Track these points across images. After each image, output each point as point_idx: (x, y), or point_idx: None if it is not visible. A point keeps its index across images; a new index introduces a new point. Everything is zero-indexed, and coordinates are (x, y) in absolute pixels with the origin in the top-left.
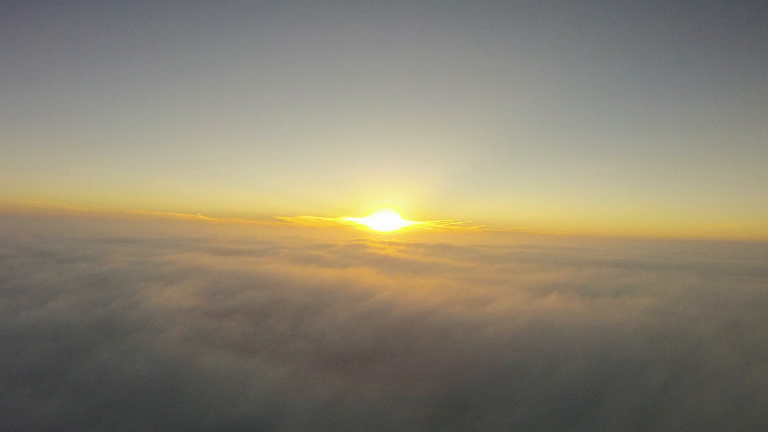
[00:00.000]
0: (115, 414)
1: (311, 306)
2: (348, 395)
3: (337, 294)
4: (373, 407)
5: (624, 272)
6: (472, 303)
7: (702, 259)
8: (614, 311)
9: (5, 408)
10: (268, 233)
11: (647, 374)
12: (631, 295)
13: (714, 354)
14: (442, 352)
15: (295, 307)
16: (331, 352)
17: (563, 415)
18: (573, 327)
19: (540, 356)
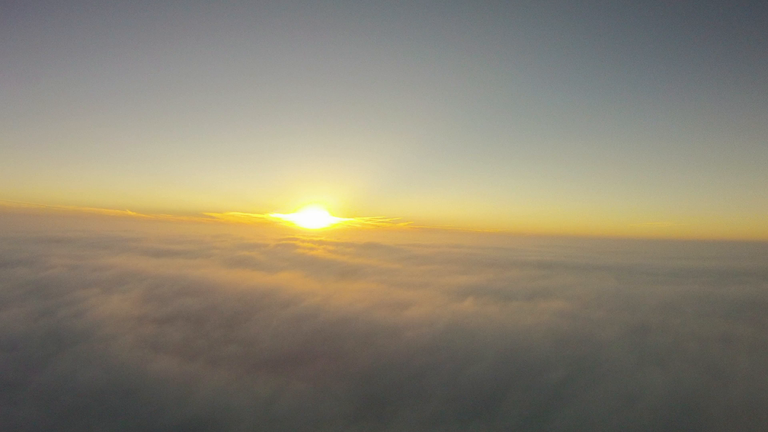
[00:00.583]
0: (81, 419)
1: (243, 312)
2: (282, 394)
3: (268, 300)
4: (304, 404)
5: (544, 274)
6: (394, 307)
7: (626, 259)
8: (526, 315)
9: None
10: (198, 231)
11: (546, 374)
12: (545, 298)
13: (611, 356)
14: (365, 354)
15: (229, 313)
16: (264, 356)
17: (469, 411)
18: (484, 330)
19: (452, 358)
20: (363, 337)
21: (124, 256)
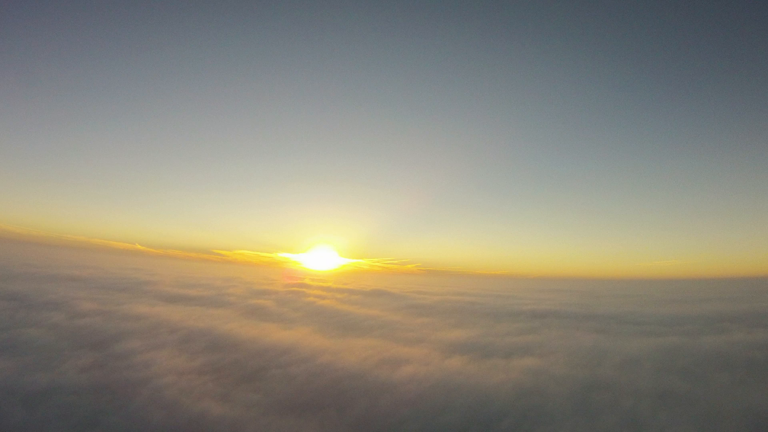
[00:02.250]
0: None
1: (263, 367)
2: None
3: (285, 357)
4: None
5: (533, 326)
6: (392, 364)
7: (621, 305)
8: (498, 372)
9: None
10: (208, 271)
11: (497, 423)
12: (522, 355)
13: (551, 409)
14: (363, 406)
15: (250, 368)
16: (281, 406)
17: None
18: (460, 386)
19: (429, 409)
20: (363, 391)
21: (145, 301)
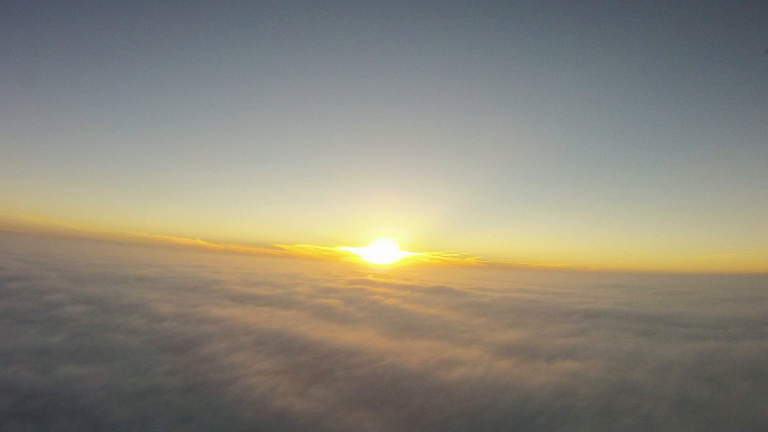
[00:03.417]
0: None
1: (331, 368)
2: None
3: (351, 360)
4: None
5: (583, 328)
6: (446, 365)
7: (673, 305)
8: (540, 374)
9: None
10: (271, 266)
11: (532, 421)
12: (565, 358)
13: (579, 411)
14: (418, 405)
15: (322, 368)
16: (350, 403)
17: None
18: (505, 388)
19: (473, 408)
20: (419, 391)
21: (217, 302)
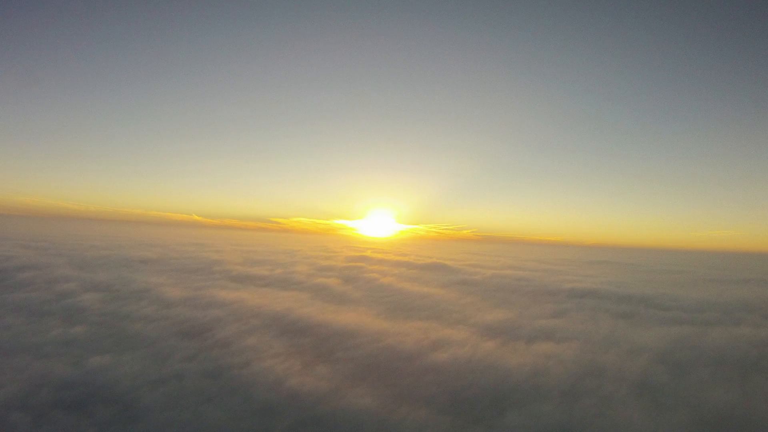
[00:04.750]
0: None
1: (333, 350)
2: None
3: (353, 340)
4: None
5: (564, 308)
6: (435, 346)
7: (660, 284)
8: (518, 355)
9: None
10: (268, 242)
11: (506, 398)
12: (543, 339)
13: (546, 390)
14: (404, 385)
15: (324, 350)
16: (350, 380)
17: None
18: (486, 368)
19: (455, 386)
20: (410, 372)
21: (222, 284)
